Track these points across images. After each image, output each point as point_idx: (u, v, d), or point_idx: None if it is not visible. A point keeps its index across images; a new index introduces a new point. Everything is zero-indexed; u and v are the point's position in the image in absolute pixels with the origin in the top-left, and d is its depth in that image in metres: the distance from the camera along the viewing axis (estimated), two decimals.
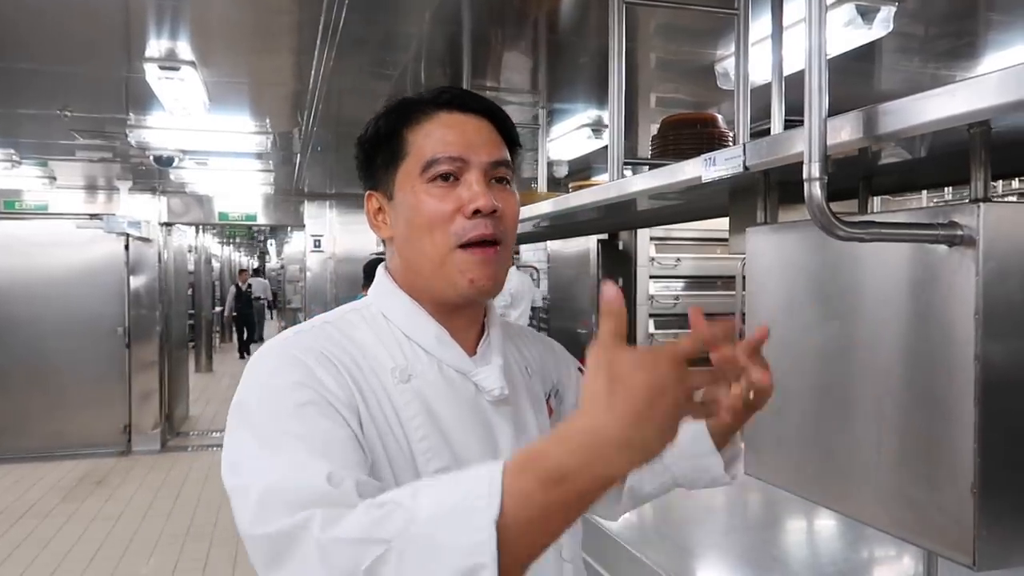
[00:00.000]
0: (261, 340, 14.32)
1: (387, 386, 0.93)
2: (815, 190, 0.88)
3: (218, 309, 15.33)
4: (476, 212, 0.93)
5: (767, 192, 1.41)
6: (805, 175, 0.89)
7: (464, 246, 0.94)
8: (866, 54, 2.86)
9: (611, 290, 0.70)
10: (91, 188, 7.16)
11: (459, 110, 0.98)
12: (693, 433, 1.09)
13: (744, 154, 1.11)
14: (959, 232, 0.94)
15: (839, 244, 1.12)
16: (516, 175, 1.05)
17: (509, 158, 1.00)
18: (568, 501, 0.67)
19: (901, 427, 1.08)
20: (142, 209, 7.23)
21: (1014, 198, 4.32)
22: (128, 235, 7.00)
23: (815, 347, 1.23)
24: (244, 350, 14.43)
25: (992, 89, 0.75)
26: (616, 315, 0.70)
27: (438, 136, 0.96)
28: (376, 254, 5.46)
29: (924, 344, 1.03)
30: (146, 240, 7.22)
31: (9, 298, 6.93)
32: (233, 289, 15.14)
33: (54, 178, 6.51)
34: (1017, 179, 4.14)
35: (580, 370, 1.18)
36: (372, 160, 1.01)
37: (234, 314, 15.03)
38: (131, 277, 7.23)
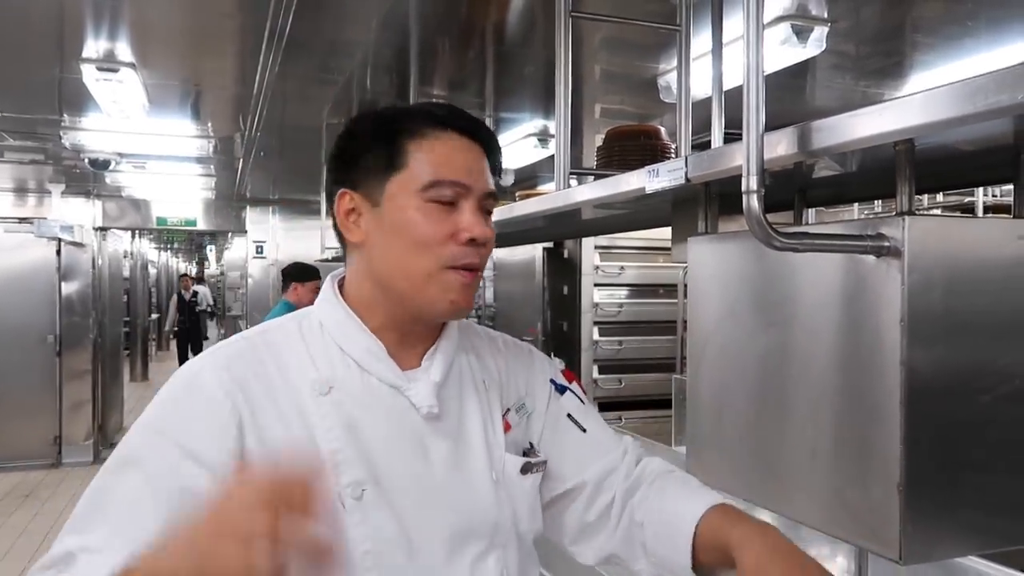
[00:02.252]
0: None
1: (303, 402, 0.93)
2: (753, 202, 0.91)
3: (155, 316, 13.78)
4: (471, 240, 0.95)
5: (707, 203, 1.45)
6: (744, 188, 0.92)
7: (454, 268, 0.95)
8: (801, 71, 2.97)
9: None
10: (21, 191, 6.91)
11: (469, 136, 0.99)
12: None
13: (686, 166, 1.15)
14: (886, 243, 0.99)
15: (776, 254, 1.16)
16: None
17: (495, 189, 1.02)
18: None
19: (834, 429, 1.13)
20: (75, 213, 7.01)
21: (938, 211, 4.52)
22: (60, 240, 6.77)
23: (753, 353, 1.27)
24: None
25: (916, 109, 0.79)
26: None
27: (447, 158, 0.96)
28: (319, 260, 5.40)
29: (855, 350, 1.08)
30: (79, 245, 6.98)
31: None
32: (175, 298, 12.88)
33: None
34: (940, 193, 4.34)
35: (553, 383, 1.15)
36: (356, 159, 0.99)
37: (175, 328, 12.66)
38: (63, 283, 6.97)
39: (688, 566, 0.97)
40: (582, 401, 1.16)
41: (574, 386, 1.18)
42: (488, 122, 3.71)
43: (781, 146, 0.96)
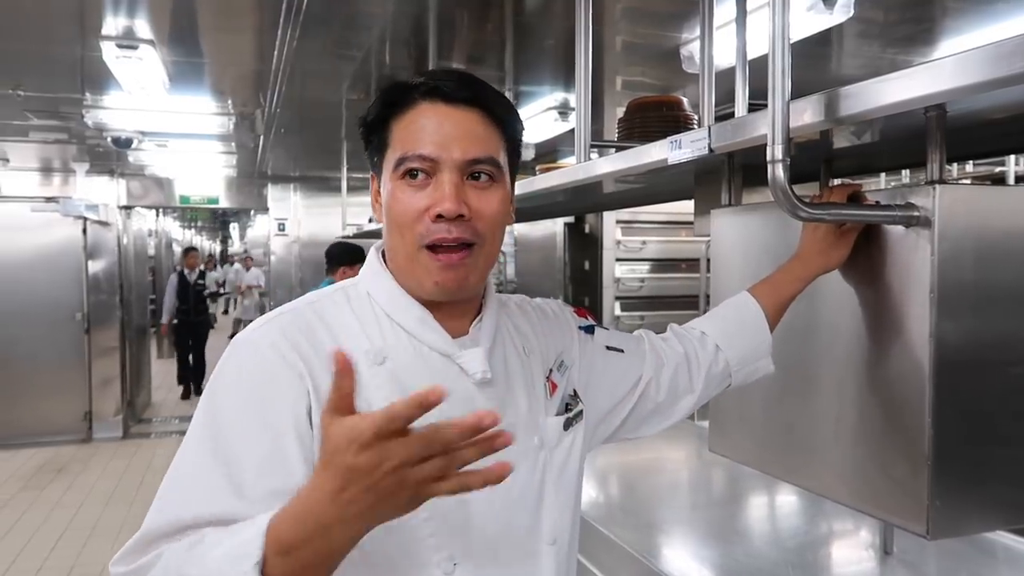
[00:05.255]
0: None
1: (359, 372, 0.91)
2: (778, 171, 0.90)
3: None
4: (439, 216, 0.91)
5: (731, 174, 1.43)
6: (768, 157, 0.90)
7: (430, 247, 0.92)
8: (826, 39, 2.90)
9: (340, 353, 0.70)
10: (46, 170, 6.97)
11: (443, 100, 0.93)
12: (755, 328, 1.19)
13: (709, 136, 1.12)
14: (916, 213, 0.97)
15: (801, 225, 1.14)
16: (518, 165, 1.02)
17: (495, 155, 0.95)
18: (297, 571, 0.70)
19: (860, 403, 1.11)
20: (100, 192, 7.07)
21: (967, 181, 4.42)
22: (86, 219, 6.85)
23: (779, 324, 1.26)
24: (188, 390, 8.97)
25: (948, 73, 0.77)
26: (344, 380, 0.69)
27: (414, 130, 0.93)
28: (341, 238, 5.41)
29: (881, 322, 1.06)
30: (104, 224, 7.07)
31: None
32: (174, 279, 9.12)
33: (7, 160, 6.33)
34: (971, 162, 4.25)
35: (582, 329, 1.18)
36: (367, 141, 0.99)
37: (175, 322, 9.11)
38: (89, 262, 7.07)
39: (769, 338, 1.19)
40: (605, 328, 1.21)
41: (590, 320, 1.21)
42: (508, 95, 3.68)
43: (807, 114, 0.94)
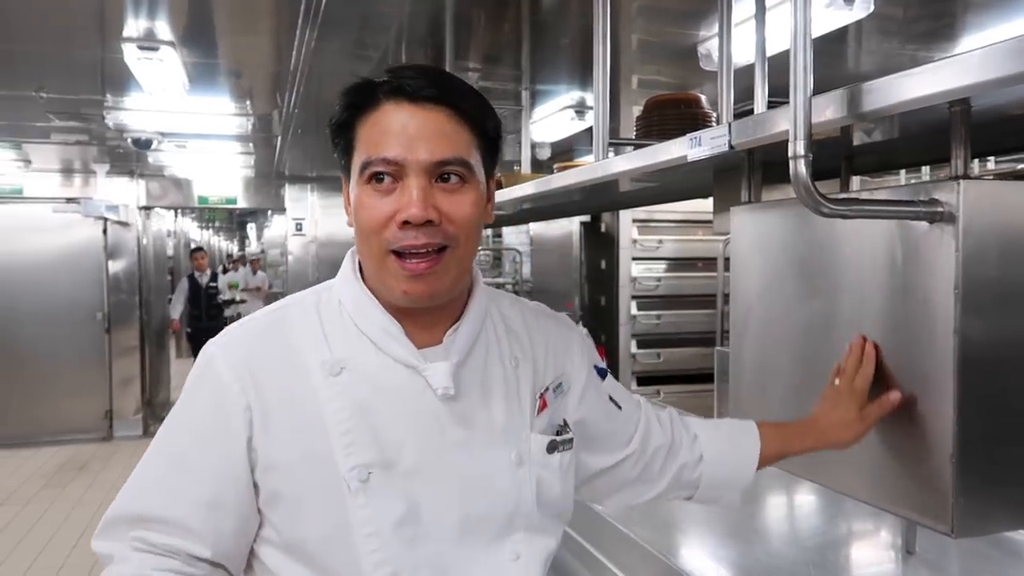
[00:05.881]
0: None
1: (314, 383, 0.91)
2: (800, 168, 0.89)
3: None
4: (406, 222, 0.86)
5: (751, 171, 1.42)
6: (790, 153, 0.90)
7: (397, 254, 0.89)
8: (843, 36, 2.88)
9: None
10: (67, 171, 7.05)
11: (407, 99, 0.88)
12: (743, 457, 1.18)
13: (729, 133, 1.12)
14: (939, 209, 0.96)
15: (822, 222, 1.14)
16: (496, 162, 0.98)
17: (465, 154, 0.90)
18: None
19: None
20: (120, 193, 7.13)
21: (990, 177, 4.37)
22: (106, 219, 6.92)
23: (798, 324, 1.25)
24: None
25: (974, 67, 0.76)
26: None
27: (379, 132, 0.88)
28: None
29: (904, 319, 1.05)
30: (124, 224, 7.13)
31: None
32: (184, 283, 8.80)
33: (29, 161, 6.40)
34: (993, 158, 4.20)
35: (596, 369, 1.13)
36: (336, 146, 0.95)
37: (188, 330, 8.95)
38: (110, 262, 7.15)
39: (751, 477, 1.17)
40: (615, 377, 1.17)
41: (604, 364, 1.17)
42: (525, 95, 3.69)
43: (829, 110, 0.93)
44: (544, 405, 1.03)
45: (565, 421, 1.05)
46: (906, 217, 0.99)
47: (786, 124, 0.94)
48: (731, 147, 1.12)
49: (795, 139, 0.90)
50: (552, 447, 1.01)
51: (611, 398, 1.13)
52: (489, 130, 0.94)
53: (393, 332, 0.93)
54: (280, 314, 0.98)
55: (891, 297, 1.08)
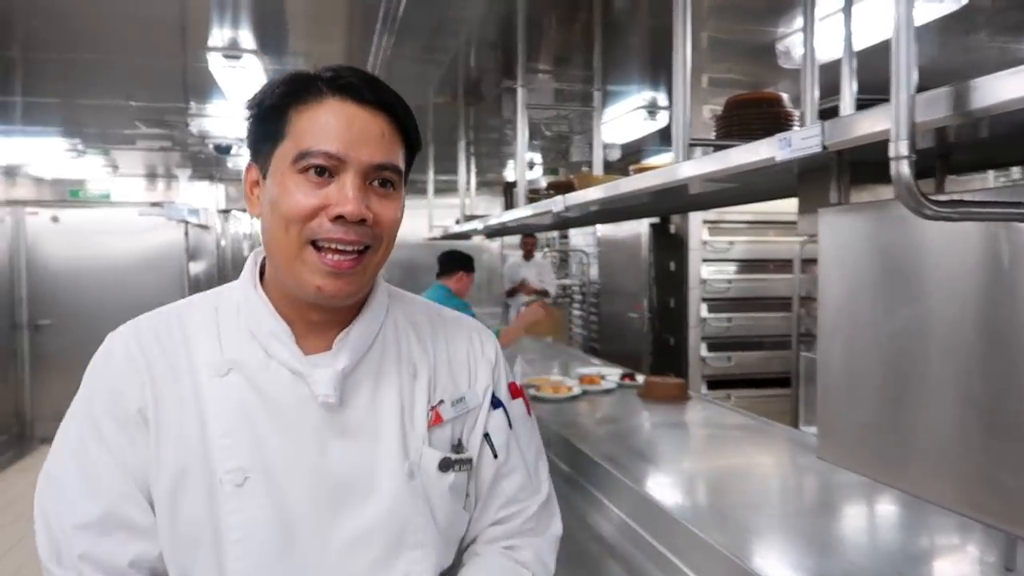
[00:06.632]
0: None
1: (201, 383, 0.91)
2: (903, 169, 0.86)
3: None
4: (339, 217, 0.86)
5: (840, 172, 1.38)
6: (892, 153, 0.87)
7: (317, 247, 0.87)
8: (930, 31, 2.78)
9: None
10: (151, 176, 7.36)
11: (353, 99, 0.88)
12: None
13: (823, 133, 1.09)
14: None
15: (918, 225, 1.10)
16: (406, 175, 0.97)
17: (398, 162, 0.91)
18: None
19: (984, 409, 1.06)
20: (200, 197, 7.42)
21: None
22: (187, 222, 7.19)
23: (892, 329, 1.21)
24: None
25: None
26: None
27: (320, 125, 0.87)
28: (426, 239, 5.50)
29: (1008, 325, 1.00)
30: (204, 227, 7.40)
31: (75, 285, 7.18)
32: None
33: (116, 167, 6.71)
34: None
35: (496, 404, 1.06)
36: (255, 130, 0.93)
37: None
38: (190, 263, 7.42)
39: None
40: (511, 425, 1.07)
41: (514, 404, 1.09)
42: (597, 96, 3.68)
43: (933, 108, 0.90)
44: (438, 419, 0.99)
45: (460, 440, 1.01)
46: (1015, 219, 0.94)
47: (884, 123, 0.91)
48: (824, 148, 1.09)
49: (897, 139, 0.87)
50: (445, 465, 0.97)
51: (487, 436, 1.04)
52: (416, 143, 0.96)
53: (281, 336, 0.93)
54: (181, 311, 0.99)
55: (993, 302, 1.03)
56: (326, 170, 0.87)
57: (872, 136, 1.00)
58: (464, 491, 1.01)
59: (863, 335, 1.27)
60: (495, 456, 1.04)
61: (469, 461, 1.00)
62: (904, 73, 0.86)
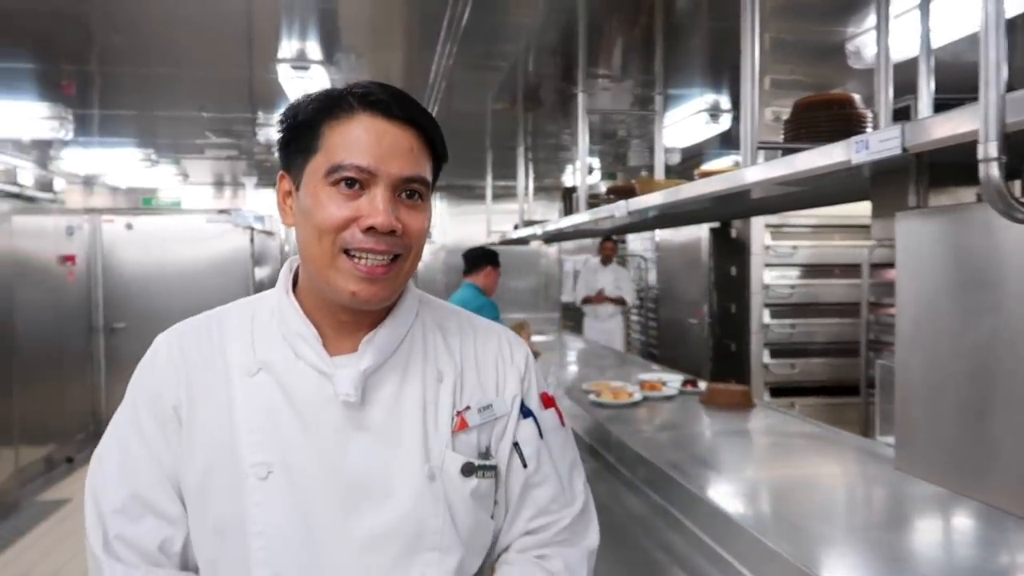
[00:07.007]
0: None
1: (233, 383, 0.97)
2: (992, 171, 0.83)
3: None
4: (371, 228, 0.90)
5: (918, 175, 1.35)
6: (980, 155, 0.84)
7: (350, 254, 0.91)
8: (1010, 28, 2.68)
9: None
10: (219, 184, 7.59)
11: (383, 115, 0.92)
12: None
13: (902, 135, 1.06)
14: None
15: (1000, 228, 1.06)
16: (433, 190, 1.00)
17: (426, 174, 0.95)
18: None
19: None
20: (265, 204, 7.61)
21: None
22: (253, 229, 7.39)
23: (974, 336, 1.17)
24: None
25: None
26: None
27: (352, 140, 0.91)
28: (486, 244, 5.53)
29: None
30: (269, 233, 7.59)
31: (147, 290, 7.44)
32: None
33: (187, 175, 6.95)
34: None
35: (526, 413, 1.05)
36: (288, 142, 0.97)
37: None
38: (256, 268, 7.62)
39: None
40: (541, 435, 1.06)
41: (546, 415, 1.08)
42: (658, 100, 3.65)
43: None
44: (464, 424, 1.00)
45: (487, 448, 1.02)
46: None
47: (969, 124, 0.89)
48: (904, 150, 1.06)
49: (986, 140, 0.84)
50: (468, 469, 0.98)
51: (516, 444, 1.04)
52: (442, 156, 1.00)
53: (308, 338, 0.97)
54: (220, 315, 1.05)
55: None
56: (357, 182, 0.91)
57: (957, 138, 0.96)
58: (490, 498, 1.02)
59: (944, 344, 1.23)
60: (524, 465, 1.04)
61: (494, 468, 1.01)
62: (993, 72, 0.83)
